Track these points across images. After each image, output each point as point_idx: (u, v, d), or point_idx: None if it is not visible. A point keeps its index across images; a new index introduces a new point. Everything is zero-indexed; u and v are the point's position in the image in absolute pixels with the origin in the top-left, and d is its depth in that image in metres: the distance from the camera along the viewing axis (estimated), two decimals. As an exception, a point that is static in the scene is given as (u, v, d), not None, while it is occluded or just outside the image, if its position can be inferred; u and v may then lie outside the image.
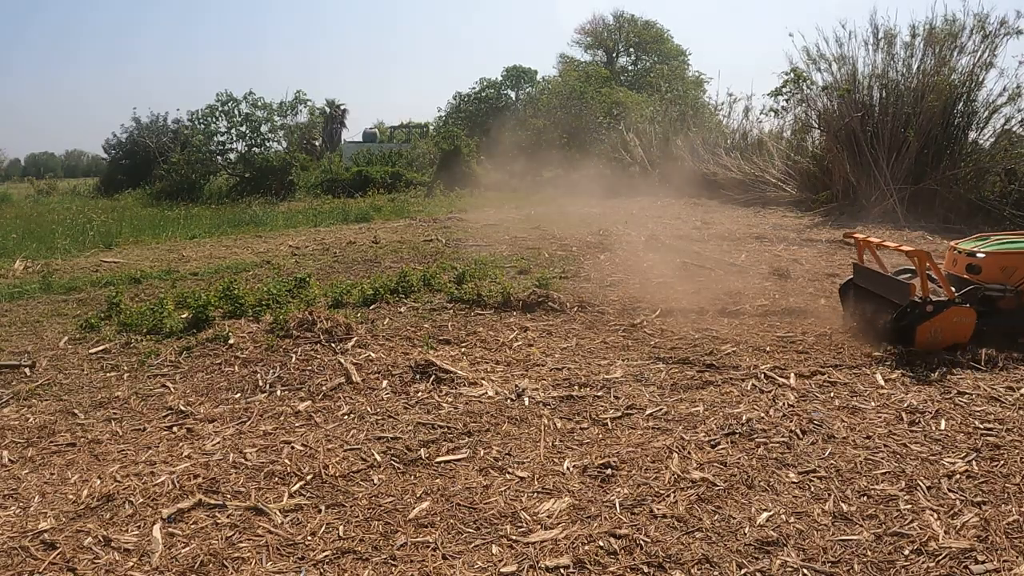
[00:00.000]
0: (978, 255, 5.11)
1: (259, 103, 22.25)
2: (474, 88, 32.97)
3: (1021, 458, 3.12)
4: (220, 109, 21.97)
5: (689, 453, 3.25)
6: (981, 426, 3.46)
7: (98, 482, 3.13)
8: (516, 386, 4.11)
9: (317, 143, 29.01)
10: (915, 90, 11.88)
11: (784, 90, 14.04)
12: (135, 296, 7.10)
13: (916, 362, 4.38)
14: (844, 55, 12.75)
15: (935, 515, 2.69)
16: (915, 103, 11.74)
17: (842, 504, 2.79)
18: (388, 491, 2.99)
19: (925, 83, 11.73)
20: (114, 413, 4.00)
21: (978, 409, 3.68)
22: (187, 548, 2.60)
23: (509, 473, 3.12)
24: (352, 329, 5.12)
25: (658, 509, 2.77)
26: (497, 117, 26.75)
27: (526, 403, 3.89)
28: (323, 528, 2.73)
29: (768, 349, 4.80)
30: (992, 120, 11.75)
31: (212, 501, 2.92)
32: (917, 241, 9.58)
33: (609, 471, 3.09)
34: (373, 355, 4.70)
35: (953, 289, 4.85)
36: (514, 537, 2.63)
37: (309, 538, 2.66)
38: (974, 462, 3.10)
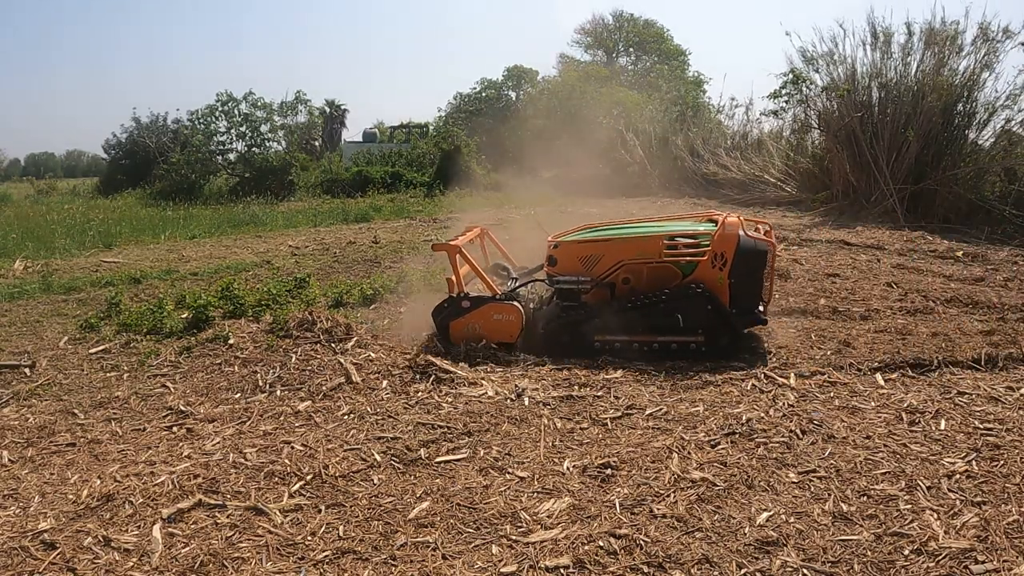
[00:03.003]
0: (553, 246, 4.85)
1: (259, 103, 22.26)
2: (474, 88, 32.96)
3: (1021, 458, 3.12)
4: (220, 109, 21.97)
5: (689, 453, 3.25)
6: (981, 426, 3.46)
7: (98, 482, 3.13)
8: (516, 386, 4.10)
9: (317, 143, 29.00)
10: (915, 90, 11.88)
11: (783, 91, 14.03)
12: (135, 296, 7.10)
13: (915, 363, 4.38)
14: (842, 55, 12.75)
15: (935, 515, 2.69)
16: (915, 103, 11.73)
17: (842, 504, 2.79)
18: (388, 491, 2.99)
19: (924, 83, 11.73)
20: (114, 413, 4.00)
21: (978, 409, 3.68)
22: (187, 548, 2.60)
23: (509, 473, 3.12)
24: (352, 329, 5.12)
25: (658, 509, 2.77)
26: (497, 117, 26.74)
27: (526, 403, 3.90)
28: (323, 528, 2.73)
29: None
30: (992, 120, 11.74)
31: (212, 501, 2.92)
32: (917, 241, 9.58)
33: (609, 471, 3.09)
34: (373, 355, 4.70)
35: (498, 285, 4.71)
36: (514, 537, 2.63)
37: (309, 538, 2.66)
38: (974, 462, 3.10)
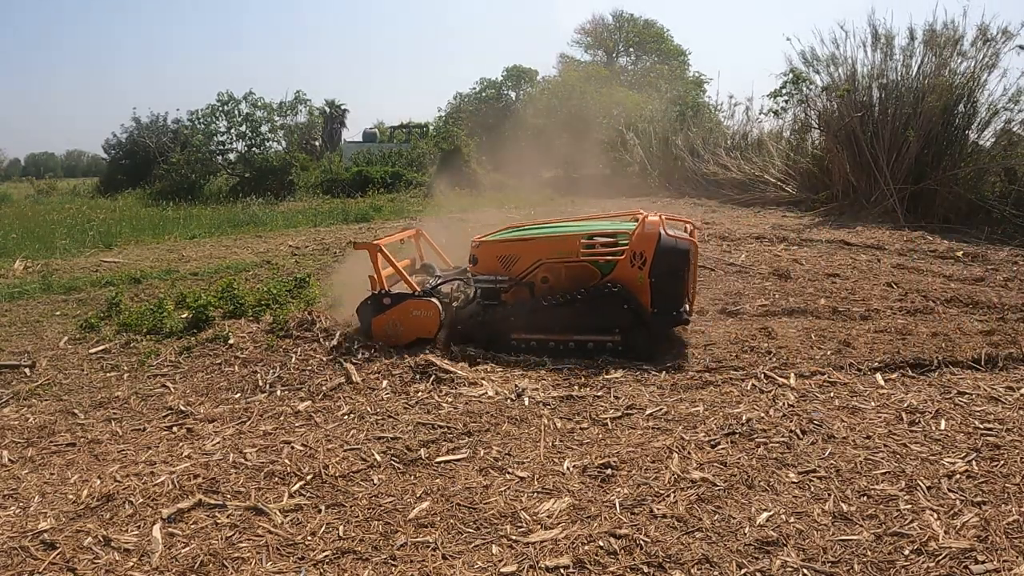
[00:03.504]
0: (476, 245, 4.94)
1: (259, 103, 22.27)
2: (474, 88, 32.98)
3: (1021, 458, 3.12)
4: (220, 109, 21.99)
5: (689, 453, 3.25)
6: (981, 426, 3.46)
7: (98, 482, 3.13)
8: (516, 386, 4.10)
9: (317, 143, 28.99)
10: (915, 90, 11.88)
11: (783, 91, 14.04)
12: (135, 296, 7.10)
13: (915, 363, 4.38)
14: (842, 57, 12.76)
15: (935, 515, 2.69)
16: (915, 103, 11.73)
17: (842, 504, 2.79)
18: (388, 491, 2.99)
19: (925, 84, 11.73)
20: (114, 413, 4.01)
21: (978, 409, 3.67)
22: (187, 548, 2.60)
23: (509, 473, 3.12)
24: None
25: (658, 509, 2.77)
26: (497, 117, 26.75)
27: (526, 403, 3.89)
28: (323, 528, 2.73)
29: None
30: (993, 121, 11.74)
31: (212, 501, 2.92)
32: (917, 241, 9.58)
33: (609, 471, 3.09)
34: (373, 355, 4.70)
35: (417, 284, 4.84)
36: (514, 537, 2.63)
37: (309, 538, 2.66)
38: (974, 462, 3.10)
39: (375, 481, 3.09)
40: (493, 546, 2.58)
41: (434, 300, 4.68)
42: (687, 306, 4.83)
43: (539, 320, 4.65)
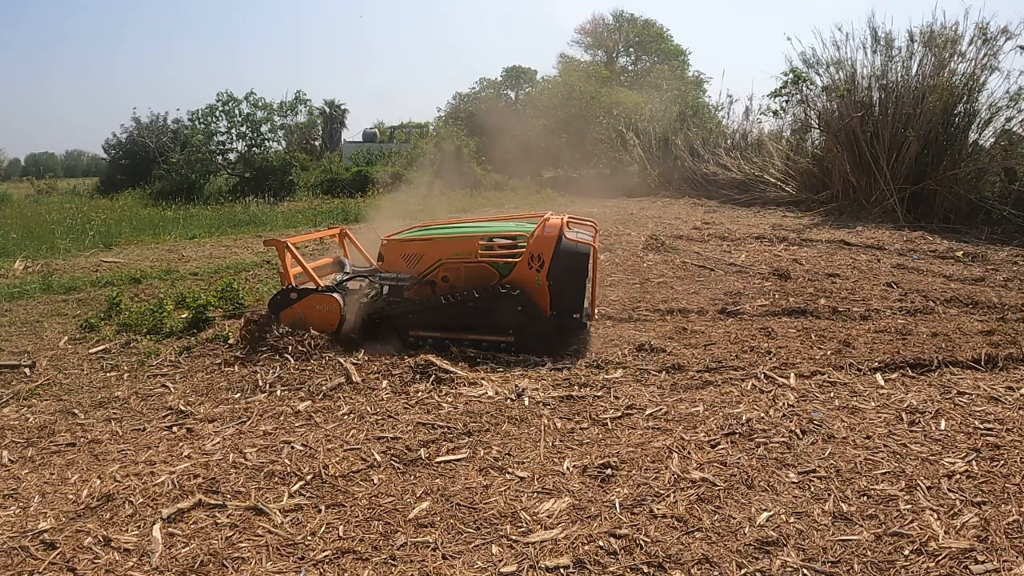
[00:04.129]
0: (383, 244, 5.15)
1: (259, 103, 22.28)
2: (474, 88, 32.98)
3: (1021, 458, 3.12)
4: (220, 109, 21.99)
5: (689, 453, 3.25)
6: (981, 426, 3.46)
7: (98, 482, 3.13)
8: (516, 386, 4.10)
9: (317, 143, 29.01)
10: (915, 91, 11.88)
11: (783, 91, 14.04)
12: (135, 296, 7.10)
13: (915, 363, 4.38)
14: (842, 59, 12.77)
15: (935, 515, 2.69)
16: (915, 104, 11.74)
17: (842, 504, 2.79)
18: (388, 491, 2.99)
19: (925, 85, 11.73)
20: (114, 413, 4.00)
21: (978, 409, 3.68)
22: (187, 548, 2.60)
23: (509, 473, 3.12)
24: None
25: (658, 509, 2.77)
26: (497, 117, 26.74)
27: (526, 403, 3.89)
28: (323, 528, 2.73)
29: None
30: (993, 121, 11.75)
31: (212, 501, 2.92)
32: (917, 241, 9.58)
33: (609, 471, 3.09)
34: (373, 355, 4.70)
35: (321, 279, 5.04)
36: (514, 537, 2.63)
37: (309, 538, 2.66)
38: (974, 462, 3.10)
39: (375, 481, 3.09)
40: (493, 546, 2.58)
41: (335, 295, 4.87)
42: (587, 309, 4.95)
43: (437, 318, 4.79)
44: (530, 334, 4.68)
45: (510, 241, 4.95)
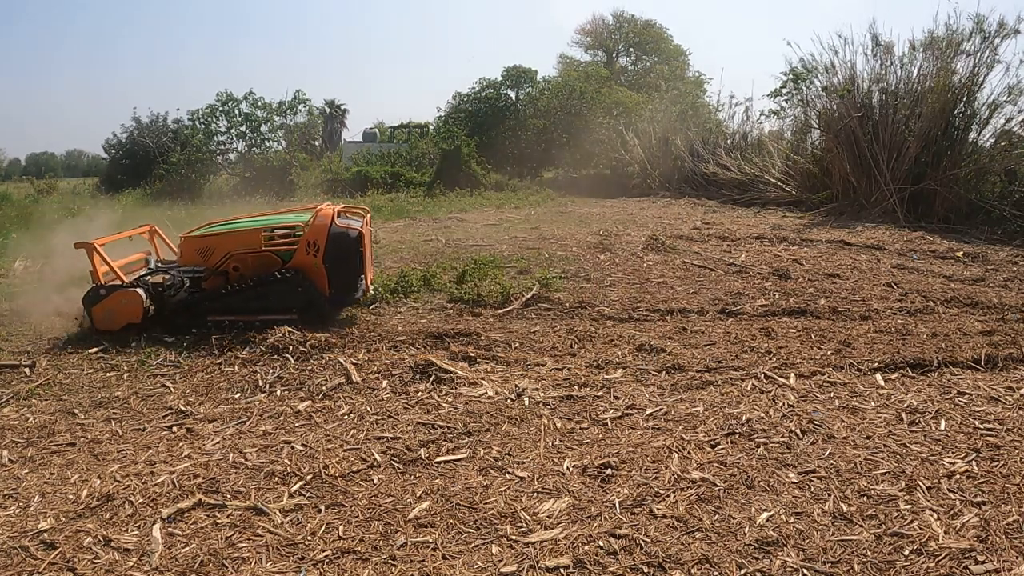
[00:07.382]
0: (181, 240, 5.66)
1: (259, 103, 22.25)
2: (474, 88, 32.89)
3: (1021, 458, 3.12)
4: (220, 109, 21.98)
5: (689, 453, 3.25)
6: (981, 426, 3.47)
7: (98, 482, 3.13)
8: (516, 386, 4.11)
9: (317, 143, 29.00)
10: (915, 92, 11.88)
11: (783, 91, 14.06)
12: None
13: (915, 363, 4.38)
14: (842, 63, 12.77)
15: (935, 515, 2.69)
16: (915, 104, 11.74)
17: (842, 504, 2.79)
18: (388, 491, 2.99)
19: (925, 86, 11.73)
20: (114, 413, 4.00)
21: (978, 409, 3.68)
22: (187, 548, 2.60)
23: (509, 473, 3.12)
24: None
25: (658, 509, 2.77)
26: (497, 117, 26.69)
27: (526, 403, 3.90)
28: (323, 528, 2.73)
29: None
30: (993, 120, 11.75)
31: (212, 501, 2.92)
32: (917, 241, 9.58)
33: (609, 471, 3.09)
34: (373, 355, 4.70)
35: (128, 275, 5.47)
36: (514, 537, 2.63)
37: (309, 538, 2.66)
38: (974, 462, 3.11)
39: (375, 481, 3.09)
40: (493, 546, 2.58)
41: (138, 290, 5.25)
42: (363, 286, 5.67)
43: (231, 303, 5.38)
44: (311, 311, 5.32)
45: (289, 231, 5.56)
